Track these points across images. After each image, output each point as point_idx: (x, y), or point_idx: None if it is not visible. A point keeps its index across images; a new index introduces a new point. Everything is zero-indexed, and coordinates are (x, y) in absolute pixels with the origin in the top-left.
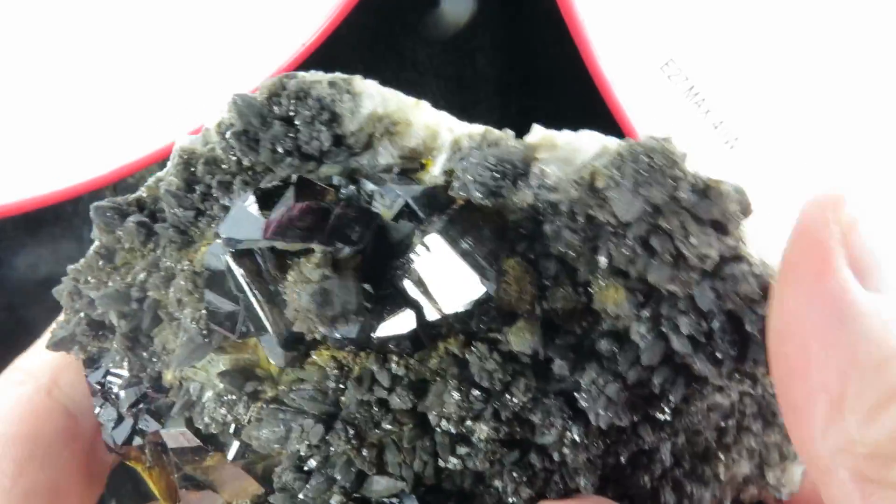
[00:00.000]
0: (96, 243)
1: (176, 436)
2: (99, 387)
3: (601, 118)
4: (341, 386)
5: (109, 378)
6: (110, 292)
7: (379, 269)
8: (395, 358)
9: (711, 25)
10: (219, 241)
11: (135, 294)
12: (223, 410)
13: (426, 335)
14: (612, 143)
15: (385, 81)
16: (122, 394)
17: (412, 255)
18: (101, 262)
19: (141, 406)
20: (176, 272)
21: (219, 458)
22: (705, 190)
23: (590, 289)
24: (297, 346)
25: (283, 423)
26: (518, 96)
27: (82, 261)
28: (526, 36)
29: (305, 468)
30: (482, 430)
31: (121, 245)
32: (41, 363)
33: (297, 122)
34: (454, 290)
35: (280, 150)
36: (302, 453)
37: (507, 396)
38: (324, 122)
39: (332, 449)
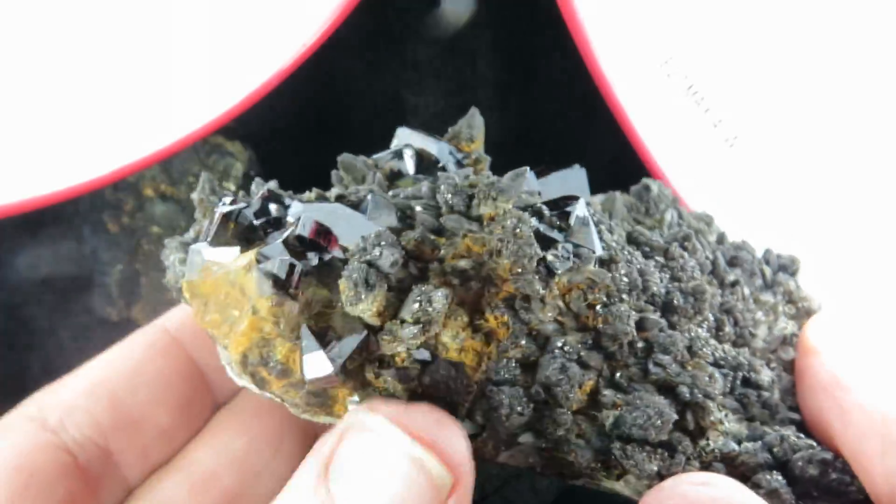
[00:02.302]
0: None
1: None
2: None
3: (601, 118)
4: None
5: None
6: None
7: None
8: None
9: (711, 24)
10: None
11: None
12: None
13: None
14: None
15: (385, 82)
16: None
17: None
18: None
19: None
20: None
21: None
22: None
23: None
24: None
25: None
26: (518, 96)
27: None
28: (526, 36)
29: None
30: None
31: None
32: (54, 402)
33: None
34: None
35: None
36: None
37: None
38: None
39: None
